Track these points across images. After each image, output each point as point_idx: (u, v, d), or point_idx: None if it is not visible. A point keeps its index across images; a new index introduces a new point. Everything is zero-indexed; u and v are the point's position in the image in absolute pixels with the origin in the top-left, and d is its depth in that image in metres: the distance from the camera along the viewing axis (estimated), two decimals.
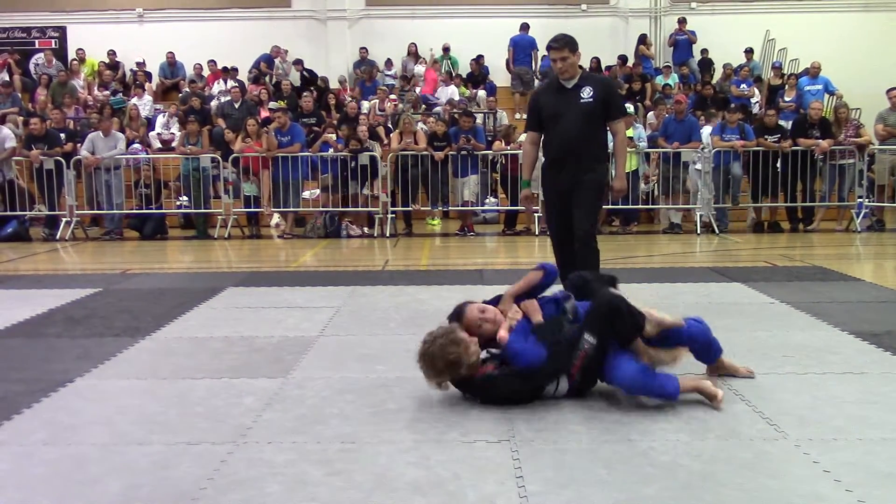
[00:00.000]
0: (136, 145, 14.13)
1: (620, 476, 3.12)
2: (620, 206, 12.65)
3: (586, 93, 5.75)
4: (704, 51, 18.33)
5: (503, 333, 3.87)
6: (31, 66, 18.71)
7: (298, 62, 18.48)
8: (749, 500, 2.90)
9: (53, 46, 19.26)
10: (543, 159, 6.09)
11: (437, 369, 3.88)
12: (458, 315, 4.07)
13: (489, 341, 3.98)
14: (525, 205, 6.38)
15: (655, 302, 6.44)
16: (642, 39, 18.70)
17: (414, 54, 18.87)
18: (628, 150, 12.39)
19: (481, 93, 17.14)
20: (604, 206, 12.73)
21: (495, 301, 4.21)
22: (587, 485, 3.04)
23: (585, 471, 3.18)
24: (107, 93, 17.14)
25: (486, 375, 3.89)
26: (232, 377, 4.56)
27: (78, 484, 3.11)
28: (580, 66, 6.09)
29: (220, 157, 12.83)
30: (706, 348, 4.17)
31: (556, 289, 4.40)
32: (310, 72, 18.27)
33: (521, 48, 17.96)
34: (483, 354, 3.95)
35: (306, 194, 13.07)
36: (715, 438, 3.50)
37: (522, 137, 13.07)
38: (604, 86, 5.88)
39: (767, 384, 4.16)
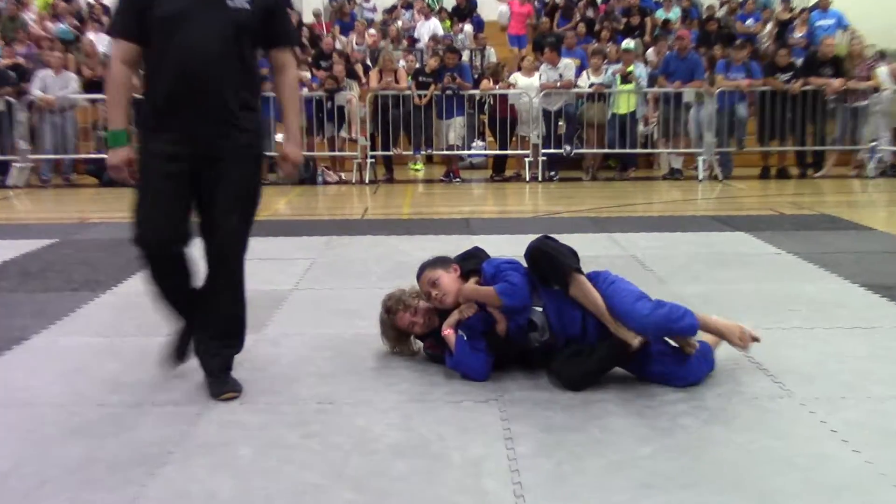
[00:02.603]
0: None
1: (615, 437, 3.15)
2: (617, 151, 12.62)
3: None
4: None
5: (447, 331, 3.85)
6: None
7: None
8: (752, 461, 2.93)
9: None
10: (151, 97, 3.52)
11: (387, 336, 4.12)
12: (419, 273, 4.05)
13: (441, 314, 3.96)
14: (116, 174, 3.55)
15: (654, 253, 6.48)
16: None
17: None
18: (625, 88, 12.37)
19: (468, 27, 16.97)
20: (601, 152, 12.81)
21: (469, 256, 4.09)
22: (580, 445, 3.07)
23: (578, 431, 3.20)
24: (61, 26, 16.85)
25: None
26: None
27: (35, 446, 3.11)
28: None
29: None
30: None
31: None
32: None
33: None
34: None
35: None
36: (716, 397, 3.53)
37: (515, 77, 13.10)
38: None
39: (772, 340, 4.19)
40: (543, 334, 3.76)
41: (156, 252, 3.54)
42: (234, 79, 3.50)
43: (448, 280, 3.90)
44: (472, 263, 3.96)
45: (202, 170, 3.49)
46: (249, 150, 3.62)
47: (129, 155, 3.51)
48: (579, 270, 3.70)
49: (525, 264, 3.82)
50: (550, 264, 3.70)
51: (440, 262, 4.00)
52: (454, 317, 3.86)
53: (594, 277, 3.76)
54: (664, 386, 3.63)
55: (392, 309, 4.07)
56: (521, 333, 3.77)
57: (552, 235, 3.87)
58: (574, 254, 3.82)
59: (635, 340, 3.58)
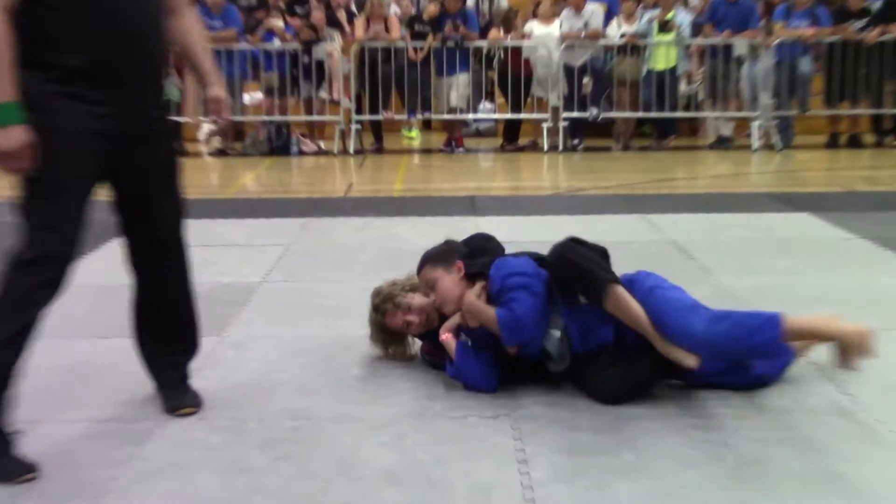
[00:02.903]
0: None
1: (651, 460, 3.14)
2: (654, 115, 12.61)
3: None
4: None
5: (445, 335, 3.85)
6: None
7: None
8: (817, 490, 2.93)
9: None
10: (60, 57, 3.12)
11: (378, 338, 4.14)
12: (419, 267, 4.04)
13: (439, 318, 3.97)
14: (9, 163, 3.01)
15: (698, 239, 6.48)
16: None
17: None
18: (663, 39, 12.33)
19: None
20: (634, 116, 12.79)
21: (479, 250, 4.01)
22: (609, 471, 3.06)
23: (606, 454, 3.20)
24: None
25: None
26: None
27: None
28: None
29: None
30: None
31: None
32: None
33: None
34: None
35: (245, 98, 12.96)
36: (774, 412, 3.53)
37: (530, 26, 13.04)
38: None
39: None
40: (561, 363, 3.73)
41: (60, 275, 3.17)
42: (163, 34, 3.38)
43: (448, 284, 3.88)
44: (480, 263, 3.89)
45: (125, 150, 3.30)
46: (169, 120, 3.65)
47: (27, 136, 2.98)
48: (616, 280, 3.64)
49: (539, 264, 3.82)
50: (580, 277, 3.64)
51: (443, 256, 3.98)
52: (455, 319, 3.86)
53: (629, 283, 3.70)
54: (712, 399, 3.62)
55: (382, 307, 4.07)
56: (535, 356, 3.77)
57: (579, 237, 3.81)
58: (605, 255, 3.81)
59: (689, 360, 3.51)
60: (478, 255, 3.96)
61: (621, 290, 3.61)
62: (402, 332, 4.10)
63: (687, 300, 3.66)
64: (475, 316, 3.76)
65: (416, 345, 4.18)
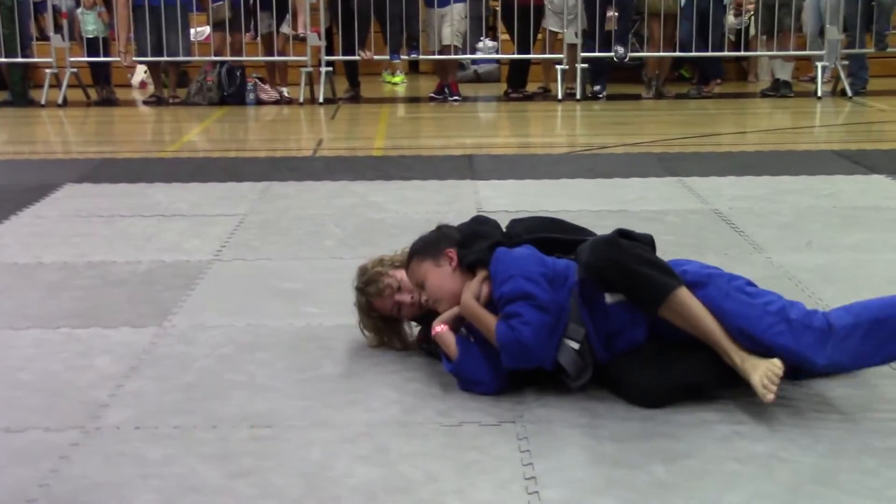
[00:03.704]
0: None
1: (687, 476, 3.17)
2: (694, 54, 12.59)
3: None
4: None
5: (440, 328, 3.87)
6: None
7: None
8: None
9: None
10: None
11: (367, 326, 4.22)
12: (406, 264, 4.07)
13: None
14: None
15: (747, 207, 6.50)
16: None
17: None
18: None
19: None
20: (669, 56, 12.75)
21: (473, 234, 4.01)
22: (636, 490, 3.09)
23: (633, 468, 3.22)
24: None
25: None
26: (76, 326, 4.58)
27: None
28: None
29: None
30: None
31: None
32: None
33: None
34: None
35: (190, 34, 12.93)
36: (837, 420, 3.55)
37: None
38: None
39: None
40: (580, 379, 3.74)
41: None
42: None
43: (438, 279, 3.91)
44: (478, 250, 3.90)
45: None
46: None
47: None
48: (679, 283, 3.63)
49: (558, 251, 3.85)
50: (636, 285, 3.64)
51: (430, 247, 3.98)
52: (453, 311, 3.89)
53: (696, 282, 3.69)
54: (757, 400, 3.65)
55: (368, 288, 4.11)
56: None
57: (625, 229, 3.80)
58: (653, 246, 3.83)
59: (769, 397, 3.48)
60: (473, 241, 3.96)
61: (685, 296, 3.62)
62: (394, 317, 4.14)
63: (783, 304, 3.63)
64: (475, 321, 3.80)
65: (415, 331, 4.21)
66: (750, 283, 3.74)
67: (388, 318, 4.16)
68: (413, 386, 3.88)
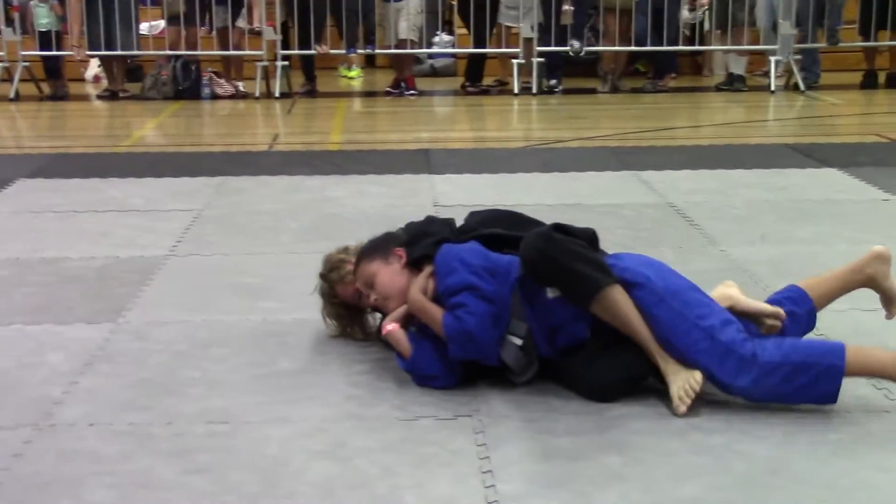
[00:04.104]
0: None
1: (643, 468, 3.19)
2: (649, 48, 12.64)
3: None
4: None
5: (391, 326, 3.89)
6: None
7: None
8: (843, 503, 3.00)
9: None
10: None
11: (329, 314, 4.24)
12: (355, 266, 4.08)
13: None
14: None
15: (702, 201, 6.53)
16: None
17: None
18: None
19: None
20: (625, 50, 12.79)
21: (420, 233, 4.06)
22: (592, 483, 3.10)
23: (589, 461, 3.24)
24: None
25: None
26: (28, 323, 4.55)
27: None
28: None
29: None
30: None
31: None
32: None
33: None
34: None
35: (144, 28, 12.86)
36: (792, 412, 3.58)
37: None
38: None
39: (874, 327, 4.25)
40: (524, 374, 3.77)
41: None
42: None
43: (388, 277, 3.94)
44: (424, 245, 3.95)
45: None
46: None
47: None
48: (613, 282, 3.64)
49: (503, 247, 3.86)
50: (567, 280, 3.67)
51: (379, 247, 4.02)
52: (402, 309, 3.90)
53: (632, 282, 3.69)
54: (716, 394, 3.66)
55: (330, 276, 4.14)
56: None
57: (563, 224, 3.81)
58: (594, 241, 3.85)
59: (681, 409, 3.52)
60: (420, 238, 4.02)
61: (617, 294, 3.64)
62: (356, 305, 4.15)
63: (715, 321, 3.61)
64: (422, 315, 3.83)
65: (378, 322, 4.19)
66: (694, 288, 3.73)
67: (351, 307, 4.18)
68: (370, 381, 3.89)
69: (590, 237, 3.84)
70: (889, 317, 3.96)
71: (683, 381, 3.53)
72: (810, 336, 3.94)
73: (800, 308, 3.88)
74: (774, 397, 3.55)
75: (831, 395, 3.52)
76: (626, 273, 3.70)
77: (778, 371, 3.50)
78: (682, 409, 3.51)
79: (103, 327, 4.48)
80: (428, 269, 3.87)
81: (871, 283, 3.94)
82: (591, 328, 3.72)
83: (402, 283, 3.91)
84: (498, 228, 4.05)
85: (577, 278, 3.63)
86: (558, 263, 3.64)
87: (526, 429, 3.48)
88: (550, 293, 3.74)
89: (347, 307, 4.19)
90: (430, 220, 4.23)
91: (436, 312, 3.76)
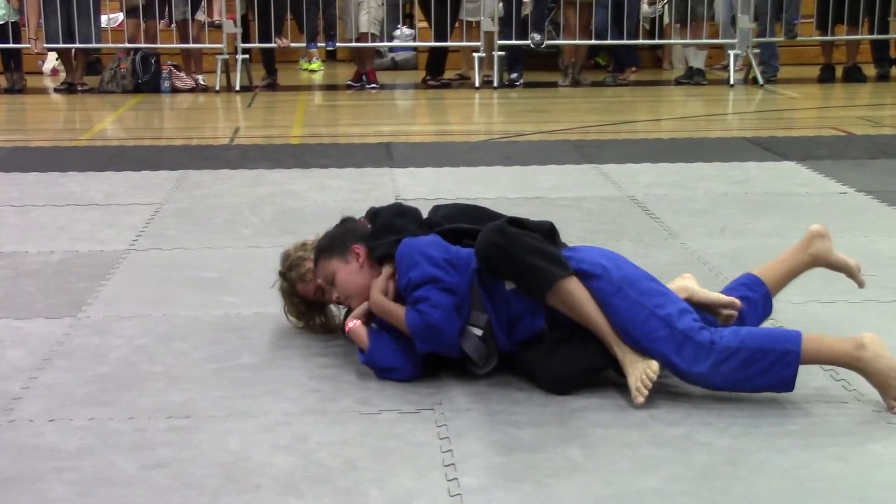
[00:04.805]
0: None
1: (604, 461, 3.20)
2: (609, 42, 12.67)
3: None
4: None
5: (353, 323, 3.90)
6: None
7: None
8: (802, 493, 3.01)
9: None
10: None
11: (291, 310, 4.24)
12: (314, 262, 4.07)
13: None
14: None
15: (662, 194, 6.57)
16: None
17: None
18: None
19: None
20: (585, 44, 12.82)
21: (384, 227, 4.01)
22: (553, 474, 3.12)
23: (551, 453, 3.25)
24: None
25: None
26: None
27: None
28: None
29: None
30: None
31: None
32: None
33: None
34: None
35: (103, 20, 12.80)
36: (751, 403, 3.60)
37: None
38: None
39: (833, 318, 4.28)
40: (487, 364, 3.78)
41: None
42: None
43: (347, 276, 3.93)
44: (386, 244, 3.91)
45: None
46: None
47: None
48: (568, 275, 3.65)
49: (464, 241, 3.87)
50: (521, 274, 3.69)
51: (336, 243, 3.98)
52: (364, 306, 3.90)
53: (590, 273, 3.70)
54: (677, 385, 3.69)
55: (289, 274, 4.15)
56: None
57: (518, 217, 3.84)
58: (552, 234, 3.87)
59: (639, 399, 3.54)
60: (384, 233, 3.96)
61: (572, 286, 3.65)
62: (319, 301, 4.15)
63: (672, 310, 3.63)
64: (385, 315, 3.84)
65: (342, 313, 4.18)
66: (650, 278, 3.75)
67: (312, 303, 4.18)
68: (332, 374, 3.89)
69: (547, 230, 3.85)
70: (860, 285, 4.07)
71: (641, 372, 3.55)
72: (767, 324, 3.98)
73: (755, 293, 3.94)
74: (732, 383, 3.56)
75: (788, 382, 3.53)
76: (583, 264, 3.71)
77: (735, 357, 3.52)
78: (640, 399, 3.53)
79: (63, 322, 4.46)
80: (387, 271, 3.86)
81: (819, 261, 4.03)
82: (547, 320, 3.74)
83: (363, 282, 3.91)
84: (460, 223, 4.06)
85: (532, 271, 3.65)
86: (511, 257, 3.65)
87: (488, 421, 3.49)
88: (508, 285, 3.75)
89: (309, 304, 4.19)
90: (399, 212, 4.15)
91: (398, 311, 3.77)
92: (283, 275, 4.16)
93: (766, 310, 3.99)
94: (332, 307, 4.24)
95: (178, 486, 3.08)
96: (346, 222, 4.15)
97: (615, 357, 3.64)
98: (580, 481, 3.08)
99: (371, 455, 3.26)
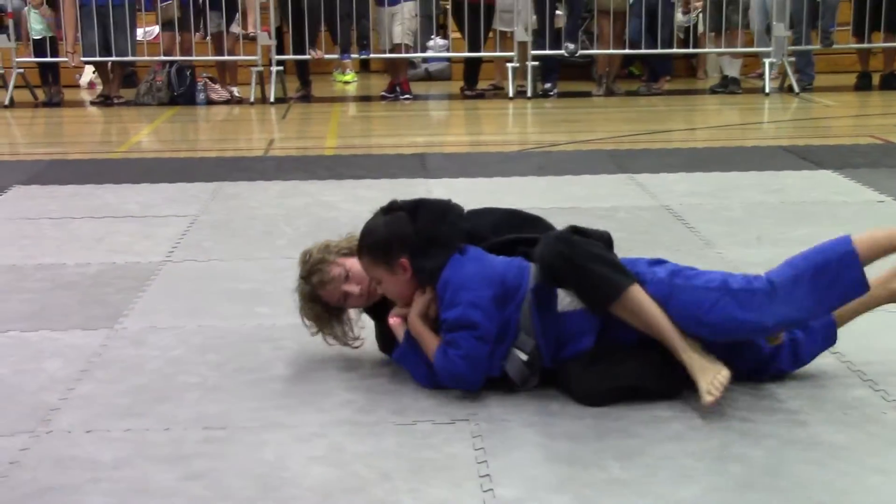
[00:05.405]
0: None
1: (641, 472, 3.19)
2: (644, 52, 12.64)
3: None
4: None
5: (394, 320, 3.88)
6: None
7: None
8: None
9: None
10: None
11: (309, 315, 4.06)
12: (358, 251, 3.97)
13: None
14: None
15: (697, 203, 6.54)
16: None
17: None
18: None
19: None
20: (619, 53, 12.80)
21: (431, 240, 3.85)
22: (590, 487, 3.10)
23: (588, 466, 3.24)
24: None
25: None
26: (24, 329, 4.55)
27: None
28: None
29: None
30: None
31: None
32: None
33: None
34: None
35: (139, 34, 12.86)
36: (788, 413, 3.59)
37: None
38: None
39: (871, 329, 4.25)
40: (527, 383, 3.77)
41: None
42: None
43: (393, 286, 3.85)
44: (430, 269, 3.79)
45: None
46: None
47: None
48: (632, 281, 3.63)
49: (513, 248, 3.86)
50: (588, 284, 3.64)
51: (383, 249, 3.82)
52: (409, 306, 3.85)
53: (642, 280, 3.68)
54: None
55: (312, 278, 3.99)
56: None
57: (579, 226, 3.80)
58: (609, 243, 3.84)
59: (708, 399, 3.51)
60: (428, 245, 3.83)
61: (637, 293, 3.63)
62: (340, 307, 4.07)
63: (721, 278, 3.66)
64: (419, 337, 3.80)
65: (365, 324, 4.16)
66: (690, 268, 3.76)
67: (333, 308, 4.05)
68: (366, 385, 3.89)
69: (605, 239, 3.83)
70: None
71: (712, 376, 3.52)
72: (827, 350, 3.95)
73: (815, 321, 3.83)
74: (809, 310, 3.59)
75: (860, 282, 3.56)
76: (639, 275, 3.69)
77: (799, 284, 3.55)
78: (710, 399, 3.48)
79: (100, 333, 4.47)
80: (430, 294, 3.80)
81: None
82: (596, 342, 3.71)
83: (408, 294, 3.85)
84: (506, 233, 4.01)
85: (598, 280, 3.62)
86: (577, 265, 3.61)
87: (524, 433, 3.47)
88: (561, 306, 3.72)
89: (329, 308, 4.06)
90: (442, 214, 3.95)
91: (430, 343, 3.75)
92: (305, 279, 4.02)
93: (827, 341, 3.89)
94: (352, 313, 4.11)
95: (213, 497, 3.09)
96: (393, 208, 3.95)
97: (683, 364, 3.60)
98: (617, 493, 3.06)
99: (406, 466, 3.26)
